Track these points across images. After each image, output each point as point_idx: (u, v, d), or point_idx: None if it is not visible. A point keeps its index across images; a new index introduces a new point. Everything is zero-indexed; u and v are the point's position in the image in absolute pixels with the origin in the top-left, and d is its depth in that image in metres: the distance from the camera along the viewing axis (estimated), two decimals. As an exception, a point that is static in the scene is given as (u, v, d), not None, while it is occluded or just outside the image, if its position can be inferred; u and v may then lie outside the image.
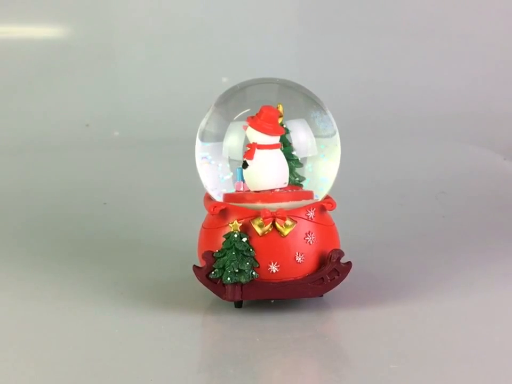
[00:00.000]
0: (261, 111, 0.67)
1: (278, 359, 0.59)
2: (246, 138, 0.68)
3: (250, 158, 0.67)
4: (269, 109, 0.67)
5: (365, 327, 0.65)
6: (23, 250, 0.90)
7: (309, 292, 0.66)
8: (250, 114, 0.67)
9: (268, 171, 0.67)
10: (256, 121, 0.67)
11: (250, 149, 0.67)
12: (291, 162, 0.68)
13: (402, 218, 0.99)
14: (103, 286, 0.76)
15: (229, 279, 0.65)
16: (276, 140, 0.67)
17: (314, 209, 0.67)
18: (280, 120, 0.68)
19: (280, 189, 0.68)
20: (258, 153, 0.67)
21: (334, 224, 0.70)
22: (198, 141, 0.71)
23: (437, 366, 0.57)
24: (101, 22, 1.30)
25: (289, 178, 0.68)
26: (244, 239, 0.65)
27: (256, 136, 0.67)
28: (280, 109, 0.68)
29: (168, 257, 0.84)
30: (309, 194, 0.69)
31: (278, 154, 0.67)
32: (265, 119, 0.67)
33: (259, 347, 0.61)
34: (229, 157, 0.69)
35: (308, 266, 0.66)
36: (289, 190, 0.68)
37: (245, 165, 0.67)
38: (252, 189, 0.68)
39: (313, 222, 0.67)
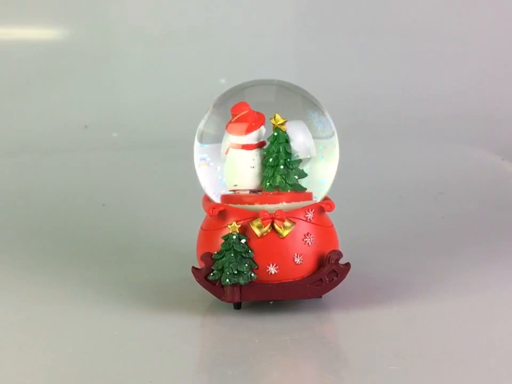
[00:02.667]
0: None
1: (277, 360, 0.59)
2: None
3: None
4: (233, 107, 0.68)
5: (363, 328, 0.65)
6: (21, 251, 0.90)
7: (308, 293, 0.66)
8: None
9: (226, 170, 0.68)
10: (230, 120, 0.68)
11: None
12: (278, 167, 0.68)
13: (401, 219, 0.99)
14: (102, 287, 0.76)
15: (227, 280, 0.65)
16: (244, 140, 0.67)
17: (313, 210, 0.67)
18: (284, 128, 0.67)
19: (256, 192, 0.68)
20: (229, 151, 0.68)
21: (332, 225, 0.70)
22: (196, 142, 0.71)
23: (436, 366, 0.57)
24: (99, 24, 1.30)
25: (281, 183, 0.68)
26: (243, 241, 0.65)
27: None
28: (277, 117, 0.67)
29: (167, 259, 0.84)
30: (308, 196, 0.69)
31: (244, 155, 0.68)
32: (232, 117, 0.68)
33: (258, 348, 0.61)
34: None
35: (307, 268, 0.66)
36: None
37: None
38: None
39: (312, 223, 0.67)
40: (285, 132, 0.67)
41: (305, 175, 0.68)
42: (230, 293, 0.66)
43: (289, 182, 0.67)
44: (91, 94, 1.28)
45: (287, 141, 0.67)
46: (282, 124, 0.67)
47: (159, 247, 0.88)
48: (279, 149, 0.67)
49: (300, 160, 0.68)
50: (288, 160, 0.67)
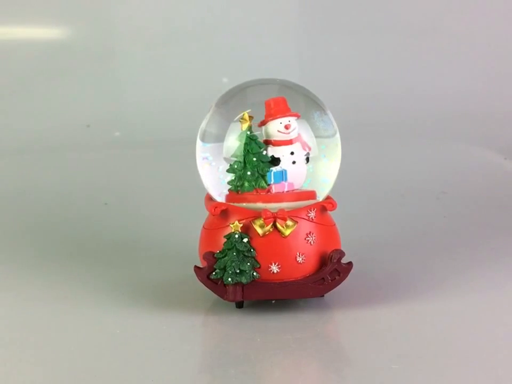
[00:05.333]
0: (274, 102, 0.68)
1: (279, 360, 0.59)
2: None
3: (310, 148, 0.68)
4: (276, 98, 0.68)
5: (366, 327, 0.65)
6: (24, 250, 0.90)
7: (310, 292, 0.67)
8: (251, 115, 0.67)
9: None
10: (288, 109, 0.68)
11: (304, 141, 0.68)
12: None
13: (403, 218, 0.99)
14: (104, 287, 0.76)
15: (230, 279, 0.65)
16: None
17: (315, 209, 0.67)
18: (247, 128, 0.67)
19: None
20: None
21: (334, 224, 0.70)
22: (198, 141, 0.71)
23: (438, 366, 0.57)
24: (102, 23, 1.30)
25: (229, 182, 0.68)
26: (245, 240, 0.65)
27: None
28: (246, 116, 0.67)
29: (169, 258, 0.84)
30: (311, 195, 0.69)
31: None
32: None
33: (260, 347, 0.61)
34: (229, 157, 0.69)
35: (309, 267, 0.66)
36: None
37: (308, 158, 0.68)
38: (300, 186, 0.68)
39: (314, 222, 0.67)
40: (243, 132, 0.67)
41: (249, 179, 0.67)
42: (232, 292, 0.66)
43: (230, 182, 0.68)
44: (93, 93, 1.28)
45: (240, 140, 0.67)
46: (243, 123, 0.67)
47: (161, 246, 0.89)
48: None
49: (256, 163, 0.67)
50: (237, 161, 0.67)
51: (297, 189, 0.68)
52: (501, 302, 0.70)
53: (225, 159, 0.68)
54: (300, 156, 0.67)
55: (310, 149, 0.68)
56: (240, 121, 0.67)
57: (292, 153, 0.67)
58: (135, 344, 0.62)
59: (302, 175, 0.68)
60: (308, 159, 0.68)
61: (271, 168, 0.67)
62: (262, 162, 0.67)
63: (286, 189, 0.67)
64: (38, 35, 1.30)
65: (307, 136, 0.69)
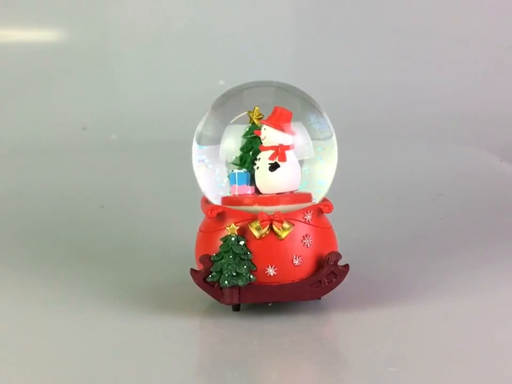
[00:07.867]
0: (277, 112, 0.67)
1: (276, 362, 0.59)
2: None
3: (284, 160, 0.67)
4: (283, 109, 0.67)
5: (363, 330, 0.64)
6: (20, 253, 0.89)
7: (307, 295, 0.66)
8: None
9: (296, 171, 0.68)
10: (278, 122, 0.67)
11: (280, 151, 0.67)
12: None
13: (400, 220, 0.99)
14: (100, 290, 0.76)
15: (226, 282, 0.65)
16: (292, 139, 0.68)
17: (312, 212, 0.67)
18: (258, 122, 0.68)
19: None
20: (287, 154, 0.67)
21: (331, 226, 0.70)
22: (194, 144, 0.71)
23: (436, 368, 0.57)
24: (98, 25, 1.30)
25: None
26: (241, 242, 0.65)
27: (280, 137, 0.67)
28: (257, 110, 0.68)
29: (165, 261, 0.84)
30: (308, 197, 0.69)
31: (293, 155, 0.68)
32: (286, 119, 0.67)
33: (257, 350, 0.61)
34: (226, 160, 0.69)
35: (306, 269, 0.66)
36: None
37: (274, 167, 0.67)
38: (275, 191, 0.67)
39: (311, 224, 0.67)
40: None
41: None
42: (229, 295, 0.66)
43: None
44: (89, 96, 1.28)
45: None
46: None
47: (157, 249, 0.88)
48: None
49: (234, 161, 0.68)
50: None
51: (264, 194, 0.68)
52: (499, 304, 0.70)
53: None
54: (263, 162, 0.67)
55: (283, 160, 0.67)
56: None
57: (259, 159, 0.68)
58: (132, 347, 0.62)
59: (268, 182, 0.67)
60: (272, 168, 0.67)
61: (233, 170, 0.68)
62: (246, 163, 0.68)
63: (236, 192, 0.68)
64: (34, 37, 1.30)
65: (303, 139, 0.68)
